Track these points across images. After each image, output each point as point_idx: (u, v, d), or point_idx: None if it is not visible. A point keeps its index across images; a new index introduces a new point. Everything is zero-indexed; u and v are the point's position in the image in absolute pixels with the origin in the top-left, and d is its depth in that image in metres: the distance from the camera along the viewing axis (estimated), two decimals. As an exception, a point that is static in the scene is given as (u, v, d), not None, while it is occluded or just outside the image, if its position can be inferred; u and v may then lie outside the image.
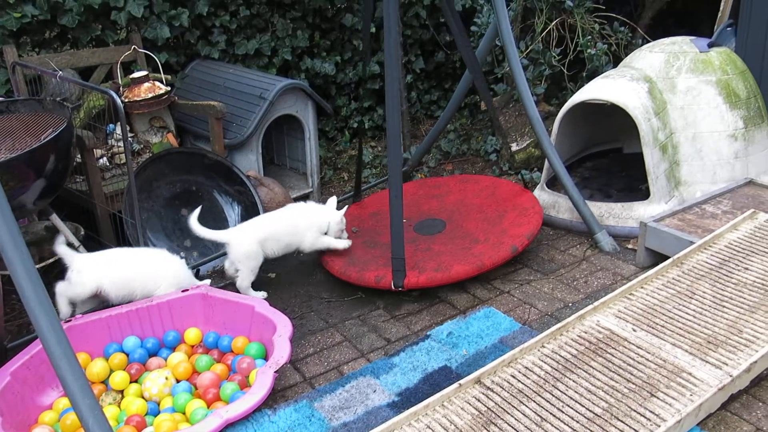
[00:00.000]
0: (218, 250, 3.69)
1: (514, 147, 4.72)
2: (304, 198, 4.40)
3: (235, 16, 4.58)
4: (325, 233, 3.39)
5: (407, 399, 2.50)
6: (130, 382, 2.68)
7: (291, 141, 4.58)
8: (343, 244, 3.41)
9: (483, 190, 3.98)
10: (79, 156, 3.46)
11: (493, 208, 3.77)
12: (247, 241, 3.21)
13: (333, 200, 3.50)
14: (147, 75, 3.90)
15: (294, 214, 3.40)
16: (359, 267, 3.31)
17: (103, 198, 3.51)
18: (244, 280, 3.23)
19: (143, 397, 2.59)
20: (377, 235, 3.68)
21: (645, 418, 2.16)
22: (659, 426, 2.11)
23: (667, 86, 3.85)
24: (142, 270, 2.98)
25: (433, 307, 3.17)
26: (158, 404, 2.56)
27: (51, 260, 3.16)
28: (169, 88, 3.94)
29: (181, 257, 3.14)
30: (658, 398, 2.24)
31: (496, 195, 3.88)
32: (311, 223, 3.36)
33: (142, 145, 3.95)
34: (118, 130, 3.74)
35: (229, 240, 3.22)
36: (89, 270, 2.89)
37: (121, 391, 2.64)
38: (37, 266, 2.58)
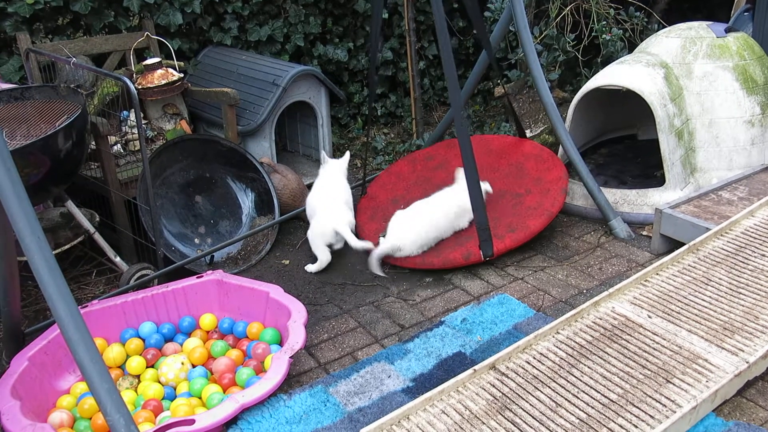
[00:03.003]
0: (232, 236, 3.70)
1: (528, 133, 4.70)
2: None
3: (248, 2, 4.56)
4: None
5: (422, 384, 2.51)
6: (147, 367, 2.70)
7: (304, 128, 4.57)
8: None
9: (479, 149, 3.83)
10: (93, 143, 3.47)
11: (505, 162, 3.69)
12: (411, 238, 3.30)
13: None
14: (160, 62, 3.90)
15: (448, 199, 3.43)
16: (435, 252, 3.32)
17: (118, 185, 3.52)
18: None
19: (160, 382, 2.61)
20: None
21: (660, 404, 2.16)
22: (675, 412, 2.11)
23: (684, 72, 3.81)
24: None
25: (446, 294, 3.17)
26: (174, 389, 2.59)
27: (67, 246, 3.18)
28: (182, 75, 3.94)
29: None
30: (673, 384, 2.23)
31: (492, 149, 3.79)
32: (464, 203, 3.34)
33: (155, 132, 3.96)
34: (132, 117, 3.75)
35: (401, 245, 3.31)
36: None
37: (138, 376, 2.67)
38: (53, 252, 2.60)
